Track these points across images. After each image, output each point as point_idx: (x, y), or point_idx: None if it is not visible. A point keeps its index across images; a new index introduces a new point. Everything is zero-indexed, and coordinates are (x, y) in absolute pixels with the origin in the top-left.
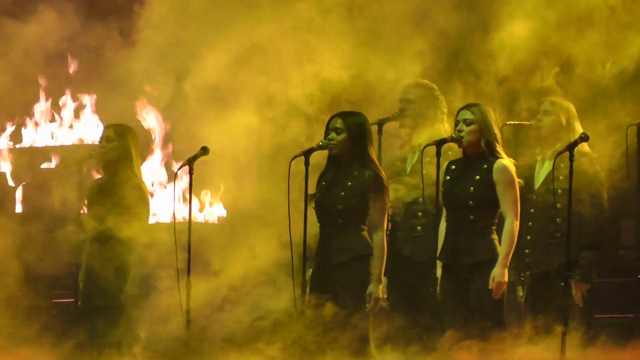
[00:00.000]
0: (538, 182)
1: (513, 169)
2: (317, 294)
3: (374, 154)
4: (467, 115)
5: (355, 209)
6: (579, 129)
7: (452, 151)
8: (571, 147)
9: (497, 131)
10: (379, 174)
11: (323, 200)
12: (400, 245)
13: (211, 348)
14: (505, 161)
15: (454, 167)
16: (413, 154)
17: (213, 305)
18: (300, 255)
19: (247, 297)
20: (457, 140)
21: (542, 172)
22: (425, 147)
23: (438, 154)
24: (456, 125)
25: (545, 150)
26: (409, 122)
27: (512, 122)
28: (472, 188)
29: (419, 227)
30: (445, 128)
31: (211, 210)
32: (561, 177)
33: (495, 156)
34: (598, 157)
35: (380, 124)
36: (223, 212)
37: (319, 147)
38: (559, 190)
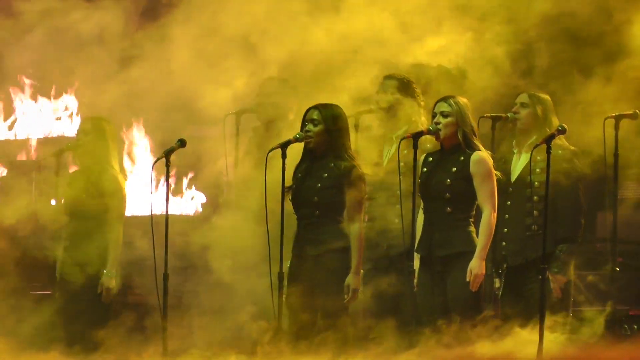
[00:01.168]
0: (515, 174)
1: (490, 161)
2: (295, 285)
3: (350, 145)
4: (444, 107)
5: (331, 200)
6: (555, 122)
7: (430, 144)
8: (548, 139)
9: (473, 123)
10: (355, 165)
11: (299, 192)
12: (376, 238)
13: (186, 342)
14: (482, 153)
15: (431, 159)
16: (390, 147)
17: (192, 296)
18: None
19: (225, 289)
20: (434, 132)
21: (519, 165)
22: (402, 139)
23: (415, 147)
24: (433, 117)
25: (522, 142)
26: (387, 115)
27: (488, 115)
28: (448, 180)
29: (396, 220)
30: (422, 121)
31: (190, 202)
32: (538, 170)
33: (472, 148)
34: (575, 150)
35: (357, 116)
36: (201, 204)
37: (296, 140)
38: (536, 183)
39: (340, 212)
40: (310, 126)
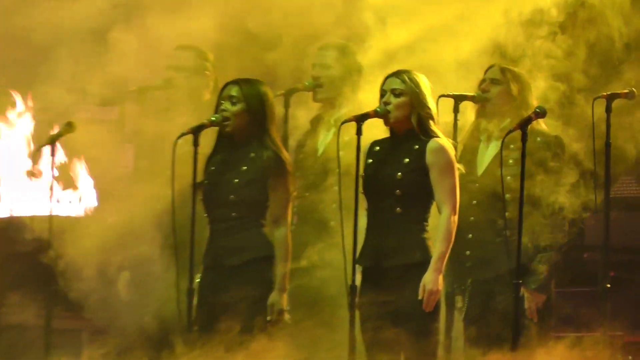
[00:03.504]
0: (482, 167)
1: (451, 151)
2: (207, 304)
3: (276, 131)
4: (396, 84)
5: (252, 199)
6: (533, 103)
7: (377, 129)
8: (524, 124)
9: (432, 104)
10: (281, 155)
11: (212, 190)
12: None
13: None
14: (442, 141)
15: (378, 148)
16: (327, 132)
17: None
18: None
19: (122, 306)
20: (382, 115)
21: (486, 155)
22: (342, 123)
23: (358, 132)
24: (382, 96)
25: (492, 128)
26: (324, 93)
27: (450, 94)
28: (399, 174)
29: (332, 223)
30: (367, 100)
31: (77, 200)
32: (511, 161)
33: (429, 135)
34: (558, 137)
35: (287, 95)
36: (93, 202)
37: (212, 124)
38: (508, 177)
39: (263, 214)
40: (227, 105)
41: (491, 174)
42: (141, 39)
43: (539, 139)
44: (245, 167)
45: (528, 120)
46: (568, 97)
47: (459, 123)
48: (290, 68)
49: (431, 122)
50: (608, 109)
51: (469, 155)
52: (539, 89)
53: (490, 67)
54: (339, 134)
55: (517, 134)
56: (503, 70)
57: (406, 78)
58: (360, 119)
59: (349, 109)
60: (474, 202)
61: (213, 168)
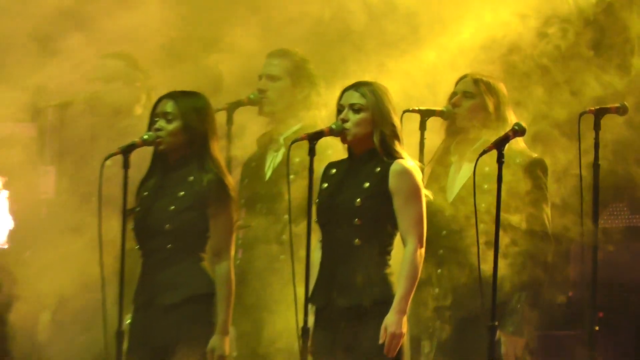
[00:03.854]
0: (452, 193)
1: (418, 174)
2: (139, 349)
3: (218, 152)
4: (355, 98)
5: (190, 229)
6: (511, 119)
7: (333, 149)
8: (500, 143)
9: (396, 121)
10: (223, 179)
11: (145, 218)
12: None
13: None
14: (407, 163)
15: (334, 171)
16: (276, 152)
17: None
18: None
19: (43, 352)
20: (338, 133)
21: (458, 179)
22: (293, 142)
23: (311, 153)
24: (339, 112)
25: (463, 147)
26: (272, 108)
27: (415, 109)
28: (358, 200)
29: (282, 256)
30: (322, 116)
31: None
32: (485, 186)
33: (392, 156)
34: (539, 159)
35: (231, 109)
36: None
37: (144, 143)
38: (482, 205)
39: (203, 246)
40: (161, 122)
41: (463, 200)
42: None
43: (518, 160)
44: (182, 193)
45: (505, 139)
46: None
47: (427, 142)
48: (238, 76)
49: (395, 141)
50: (596, 126)
51: (438, 180)
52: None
53: (462, 77)
54: (288, 154)
55: (493, 154)
56: (476, 82)
57: (367, 91)
58: (313, 137)
59: (300, 126)
60: (444, 233)
61: (146, 193)
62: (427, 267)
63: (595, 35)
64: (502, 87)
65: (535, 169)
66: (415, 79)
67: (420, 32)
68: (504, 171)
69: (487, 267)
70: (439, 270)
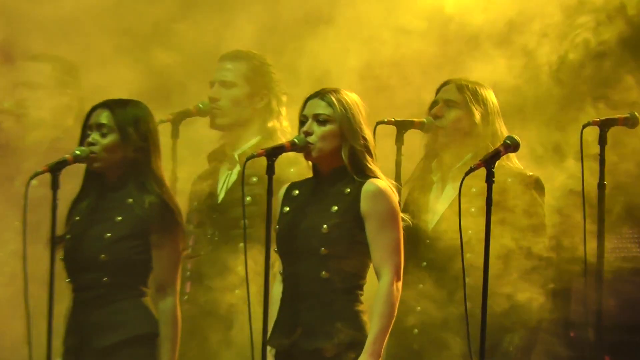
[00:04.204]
0: (434, 217)
1: (394, 196)
2: None
3: (161, 169)
4: (321, 108)
5: (129, 260)
6: (502, 132)
7: (296, 167)
8: (490, 160)
9: (368, 135)
10: (168, 202)
11: (77, 246)
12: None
13: None
14: (382, 183)
15: (297, 192)
16: (230, 171)
17: None
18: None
19: None
20: (301, 148)
21: (440, 202)
22: (248, 159)
23: (269, 171)
24: (302, 123)
25: (447, 165)
26: (225, 119)
27: (390, 120)
28: (325, 226)
29: (237, 291)
30: (283, 128)
31: None
32: (473, 209)
33: (364, 174)
34: (535, 177)
35: (176, 120)
36: None
37: (75, 159)
38: (470, 231)
39: (144, 279)
40: (95, 136)
41: (446, 226)
42: None
43: (509, 179)
44: (120, 218)
45: (495, 155)
46: None
47: (404, 159)
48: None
49: (368, 157)
50: (602, 140)
51: (417, 202)
52: None
53: (444, 84)
54: (243, 173)
55: (481, 173)
56: (461, 88)
57: (334, 100)
58: (272, 153)
59: (257, 140)
60: (424, 264)
61: (78, 218)
62: (404, 304)
63: None
64: (490, 95)
65: (530, 189)
66: None
67: None
68: (494, 191)
69: (474, 304)
70: (418, 308)
